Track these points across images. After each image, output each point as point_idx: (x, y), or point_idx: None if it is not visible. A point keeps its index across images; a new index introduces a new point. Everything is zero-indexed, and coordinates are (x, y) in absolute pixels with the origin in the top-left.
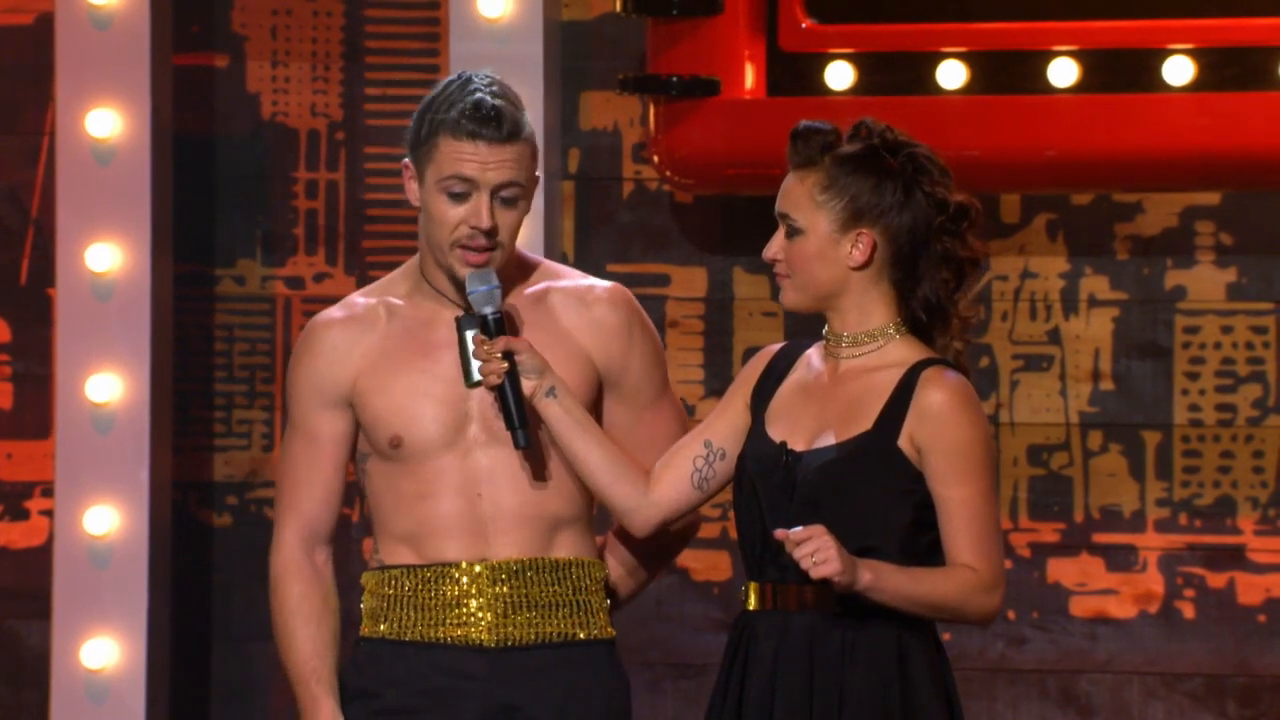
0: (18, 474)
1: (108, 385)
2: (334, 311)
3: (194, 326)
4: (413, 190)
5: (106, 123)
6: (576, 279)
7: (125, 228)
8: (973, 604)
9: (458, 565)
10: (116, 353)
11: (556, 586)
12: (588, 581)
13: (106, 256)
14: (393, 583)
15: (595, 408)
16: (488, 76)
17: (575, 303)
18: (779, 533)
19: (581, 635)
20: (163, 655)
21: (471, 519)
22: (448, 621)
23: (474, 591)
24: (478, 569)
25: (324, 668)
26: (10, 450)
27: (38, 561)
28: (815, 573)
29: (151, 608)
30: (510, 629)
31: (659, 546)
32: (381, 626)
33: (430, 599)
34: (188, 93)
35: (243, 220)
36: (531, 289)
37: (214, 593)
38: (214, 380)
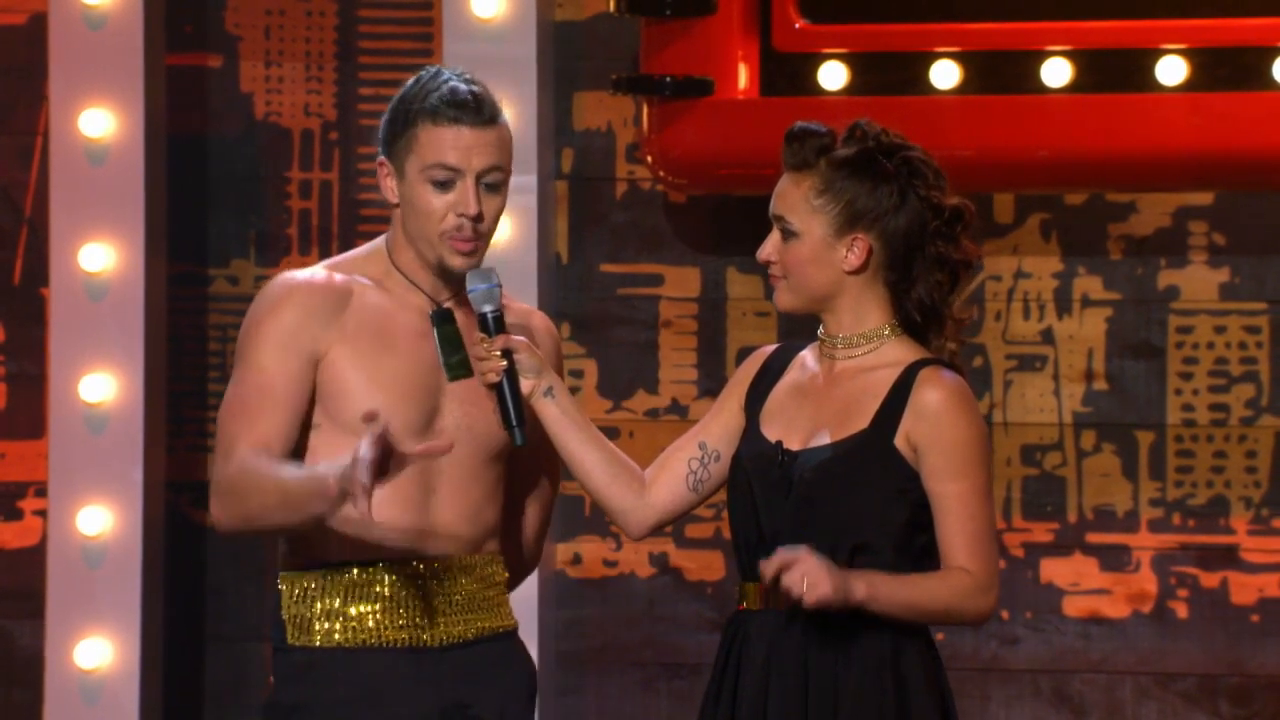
0: (11, 474)
1: (101, 385)
2: (307, 274)
3: (187, 326)
4: (390, 187)
5: (100, 122)
6: (512, 300)
7: (119, 228)
8: (968, 606)
9: (390, 565)
10: (110, 353)
11: (479, 584)
12: (499, 578)
13: (100, 256)
14: (320, 586)
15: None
16: (458, 69)
17: (518, 322)
18: (763, 567)
19: (502, 627)
20: (156, 655)
21: (418, 512)
22: (386, 625)
23: (410, 591)
24: (419, 566)
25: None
26: (3, 450)
27: (31, 561)
28: (809, 598)
29: (145, 608)
30: (447, 627)
31: (533, 542)
32: (316, 637)
33: (362, 602)
34: (181, 93)
35: (236, 220)
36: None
37: (207, 593)
38: (207, 380)
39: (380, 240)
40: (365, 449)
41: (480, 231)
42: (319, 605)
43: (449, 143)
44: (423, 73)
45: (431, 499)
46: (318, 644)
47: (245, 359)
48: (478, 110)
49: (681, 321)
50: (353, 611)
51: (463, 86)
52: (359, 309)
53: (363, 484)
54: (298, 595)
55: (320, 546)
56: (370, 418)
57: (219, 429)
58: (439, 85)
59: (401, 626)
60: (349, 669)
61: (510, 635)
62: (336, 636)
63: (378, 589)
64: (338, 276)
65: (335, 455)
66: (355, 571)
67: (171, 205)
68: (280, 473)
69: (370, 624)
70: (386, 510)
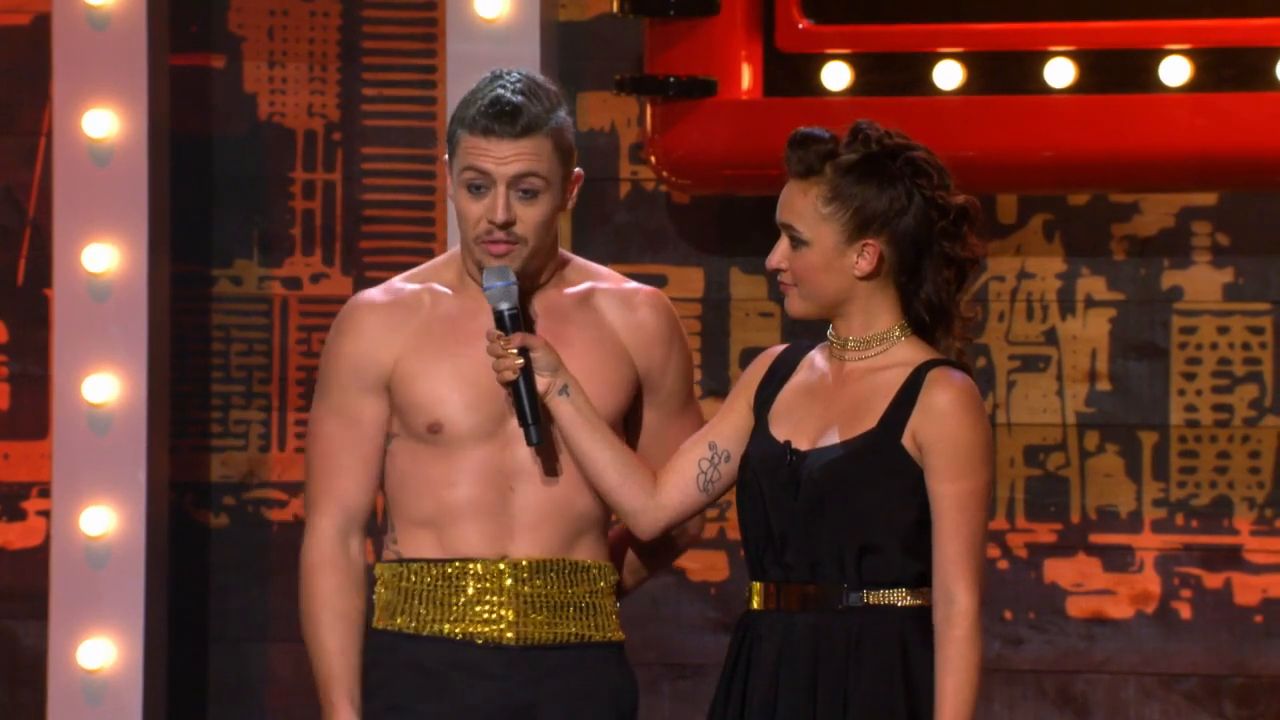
0: (15, 474)
1: (105, 386)
2: (375, 294)
3: (191, 327)
4: (450, 189)
5: (103, 123)
6: (619, 281)
7: (122, 228)
8: (979, 648)
9: (479, 561)
10: (113, 353)
11: (574, 588)
12: (602, 584)
13: (103, 257)
14: (411, 577)
15: (634, 408)
16: (520, 73)
17: (619, 304)
18: None
19: (595, 637)
20: (159, 656)
21: (500, 512)
22: (467, 618)
23: (494, 589)
24: (501, 566)
25: (347, 671)
26: (7, 451)
27: (35, 562)
28: None
29: (148, 608)
30: (529, 628)
31: (662, 546)
32: (398, 620)
33: (449, 595)
34: (185, 93)
35: (240, 221)
36: (575, 288)
37: (211, 593)
38: (211, 381)
39: (459, 246)
40: None
41: (515, 237)
42: (401, 595)
43: (481, 151)
44: (485, 76)
45: (510, 496)
46: (397, 629)
47: (321, 391)
48: (511, 122)
49: (685, 322)
50: (431, 603)
51: (506, 96)
52: (430, 317)
53: None
54: (387, 581)
55: (407, 538)
56: (435, 429)
57: (307, 463)
58: (486, 94)
59: (479, 621)
60: (419, 656)
61: (604, 647)
62: (414, 624)
63: (459, 584)
64: (410, 287)
65: (418, 466)
66: (440, 567)
67: (175, 206)
68: (322, 632)
69: (446, 617)
70: (467, 503)
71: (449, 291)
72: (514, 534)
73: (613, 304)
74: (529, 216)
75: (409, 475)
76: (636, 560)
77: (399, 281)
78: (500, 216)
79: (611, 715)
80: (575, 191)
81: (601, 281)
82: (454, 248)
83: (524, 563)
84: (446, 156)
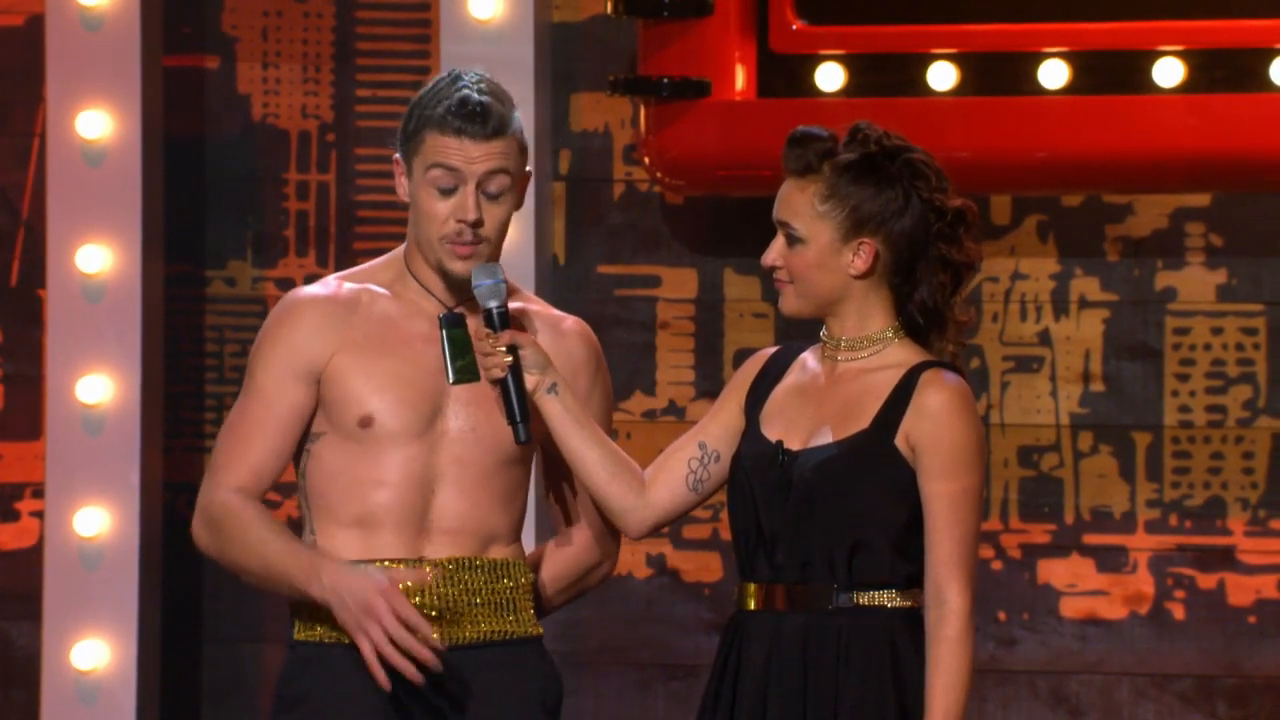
0: (8, 475)
1: (98, 386)
2: (315, 289)
3: (185, 328)
4: (403, 185)
5: (97, 124)
6: (548, 307)
7: (116, 229)
8: (970, 648)
9: (401, 562)
10: (107, 354)
11: (495, 585)
12: (522, 580)
13: (97, 258)
14: None
15: (550, 439)
16: (477, 74)
17: (550, 330)
18: None
19: (518, 633)
20: (153, 656)
21: (418, 515)
22: None
23: (417, 590)
24: (425, 568)
25: (304, 547)
26: (0, 451)
27: (28, 563)
28: None
29: (142, 609)
30: (456, 628)
31: (583, 575)
32: (319, 630)
33: None
34: (178, 94)
35: (233, 222)
36: (509, 304)
37: (204, 594)
38: (204, 382)
39: (400, 248)
40: (392, 605)
41: (480, 237)
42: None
43: (451, 152)
44: (442, 77)
45: (433, 500)
46: (319, 639)
47: (250, 377)
48: (483, 123)
49: (679, 323)
50: None
51: (474, 97)
52: (366, 316)
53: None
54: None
55: (328, 539)
56: (366, 423)
57: (217, 443)
58: (451, 94)
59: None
60: (346, 664)
61: (526, 643)
62: (335, 633)
63: None
64: (347, 286)
65: (346, 464)
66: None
67: (168, 206)
68: (266, 535)
69: None
70: (386, 510)
71: (386, 293)
72: (431, 537)
73: (543, 328)
74: (493, 216)
75: (337, 474)
76: (557, 586)
77: (335, 279)
78: (472, 215)
79: (539, 709)
80: (525, 189)
81: (532, 304)
82: (396, 250)
83: (446, 562)
84: (398, 155)
